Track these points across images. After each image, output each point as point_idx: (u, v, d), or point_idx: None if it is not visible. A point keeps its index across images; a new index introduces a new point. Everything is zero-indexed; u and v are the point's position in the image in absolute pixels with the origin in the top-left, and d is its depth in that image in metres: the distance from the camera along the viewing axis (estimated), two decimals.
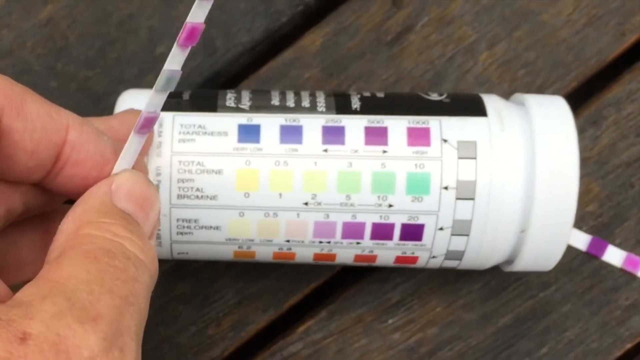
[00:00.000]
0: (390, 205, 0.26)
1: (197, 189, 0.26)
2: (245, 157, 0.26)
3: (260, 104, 0.27)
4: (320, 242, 0.27)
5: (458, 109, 0.27)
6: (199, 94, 0.28)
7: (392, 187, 0.26)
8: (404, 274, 0.32)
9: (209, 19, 0.33)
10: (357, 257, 0.28)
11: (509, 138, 0.26)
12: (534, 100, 0.27)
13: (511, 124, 0.26)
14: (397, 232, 0.26)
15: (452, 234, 0.26)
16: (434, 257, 0.27)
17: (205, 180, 0.26)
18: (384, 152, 0.26)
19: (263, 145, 0.26)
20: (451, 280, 0.32)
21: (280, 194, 0.26)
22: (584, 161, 0.32)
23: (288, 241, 0.27)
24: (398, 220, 0.26)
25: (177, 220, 0.27)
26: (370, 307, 0.32)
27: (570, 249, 0.32)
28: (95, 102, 0.33)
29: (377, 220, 0.26)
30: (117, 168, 0.22)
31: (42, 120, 0.21)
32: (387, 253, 0.27)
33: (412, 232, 0.26)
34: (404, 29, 0.33)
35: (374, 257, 0.28)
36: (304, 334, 0.32)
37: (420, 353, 0.32)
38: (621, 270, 0.32)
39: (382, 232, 0.26)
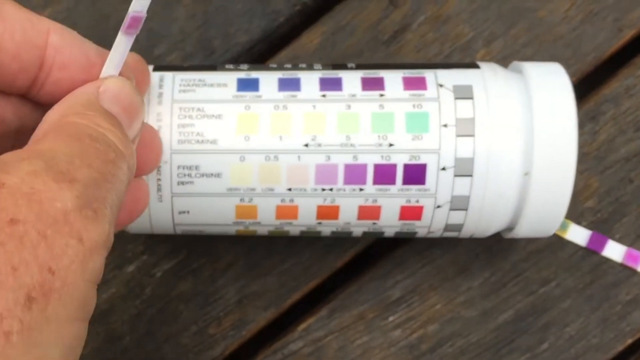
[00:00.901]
0: (390, 145, 0.26)
1: (198, 134, 0.26)
2: (245, 103, 0.27)
3: (258, 67, 0.28)
4: (323, 189, 0.27)
5: (452, 65, 0.28)
6: (198, 65, 0.30)
7: (392, 126, 0.26)
8: (404, 271, 0.32)
9: (206, 20, 0.33)
10: (361, 211, 0.27)
11: (504, 85, 0.26)
12: (529, 64, 0.27)
13: (505, 74, 0.27)
14: (399, 175, 0.26)
15: (455, 175, 0.26)
16: (438, 206, 0.26)
17: (206, 125, 0.26)
18: (381, 95, 0.26)
19: (262, 93, 0.27)
20: (451, 276, 0.32)
21: (281, 137, 0.26)
22: (583, 157, 0.32)
23: (290, 190, 0.27)
24: (400, 161, 0.26)
25: (178, 167, 0.27)
26: (370, 305, 0.32)
27: (570, 245, 0.32)
28: None
29: (379, 161, 0.26)
30: (104, 72, 0.22)
31: (22, 24, 0.22)
32: (391, 203, 0.27)
33: (415, 173, 0.26)
34: (401, 28, 0.33)
35: (377, 210, 0.27)
36: (304, 332, 0.32)
37: (422, 350, 0.32)
38: (621, 265, 0.32)
39: (384, 174, 0.26)
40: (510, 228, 0.28)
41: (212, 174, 0.27)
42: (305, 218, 0.27)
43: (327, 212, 0.27)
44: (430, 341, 0.32)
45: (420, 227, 0.28)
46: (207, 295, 0.32)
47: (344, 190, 0.27)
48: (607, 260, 0.32)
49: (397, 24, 0.33)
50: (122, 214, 0.25)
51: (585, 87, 0.32)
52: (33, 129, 0.21)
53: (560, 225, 0.32)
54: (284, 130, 0.26)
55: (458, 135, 0.26)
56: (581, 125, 0.32)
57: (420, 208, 0.27)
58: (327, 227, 0.28)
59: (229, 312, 0.32)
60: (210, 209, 0.27)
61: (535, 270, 0.32)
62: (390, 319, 0.32)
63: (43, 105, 0.24)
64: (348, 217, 0.27)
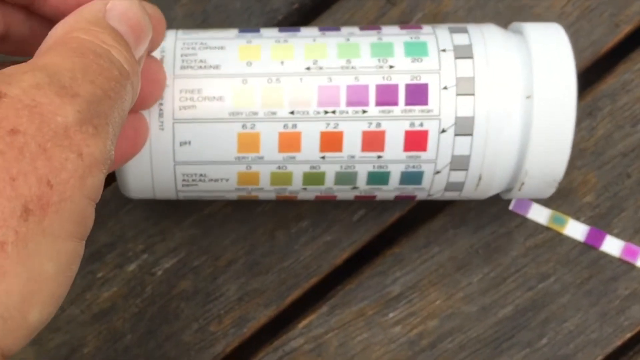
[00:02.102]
0: (391, 67, 0.26)
1: (201, 60, 0.27)
2: (246, 39, 0.27)
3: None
4: (326, 112, 0.26)
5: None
6: None
7: (391, 52, 0.27)
8: (404, 267, 0.32)
9: (205, 19, 0.33)
10: (365, 138, 0.27)
11: (501, 34, 0.27)
12: (528, 24, 0.28)
13: (499, 29, 0.28)
14: (401, 95, 0.26)
15: (458, 94, 0.26)
16: (443, 130, 0.26)
17: (209, 54, 0.27)
18: (378, 32, 0.28)
19: (262, 34, 0.28)
20: (450, 272, 0.32)
21: (282, 62, 0.27)
22: (581, 152, 0.32)
23: (292, 113, 0.26)
24: (401, 81, 0.26)
25: (180, 91, 0.27)
26: (370, 301, 0.32)
27: (568, 240, 0.32)
28: None
29: (380, 81, 0.26)
30: None
31: None
32: (395, 127, 0.26)
33: (417, 93, 0.26)
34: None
35: (382, 135, 0.26)
36: (305, 329, 0.32)
37: (422, 345, 0.32)
38: (620, 260, 0.32)
39: (386, 94, 0.26)
40: (509, 189, 0.28)
41: (214, 97, 0.27)
42: (309, 150, 0.27)
43: (331, 141, 0.27)
44: (430, 337, 0.32)
45: (426, 164, 0.27)
46: (208, 293, 0.33)
47: (347, 112, 0.26)
48: (606, 255, 0.32)
49: (395, 22, 0.33)
50: (123, 145, 0.25)
51: (583, 83, 0.32)
52: (39, 45, 0.21)
53: (559, 220, 0.32)
54: (285, 57, 0.27)
55: (457, 58, 0.26)
56: (578, 121, 0.32)
57: (425, 133, 0.26)
58: (330, 166, 0.27)
59: (229, 309, 0.33)
60: (212, 138, 0.27)
61: (534, 266, 0.32)
62: (391, 315, 0.32)
63: (50, 21, 0.23)
64: (352, 149, 0.27)
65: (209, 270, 0.33)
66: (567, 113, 0.26)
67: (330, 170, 0.27)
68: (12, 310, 0.17)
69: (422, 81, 0.26)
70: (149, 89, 0.25)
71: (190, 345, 0.32)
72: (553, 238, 0.32)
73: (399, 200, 0.29)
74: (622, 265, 0.32)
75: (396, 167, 0.27)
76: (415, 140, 0.27)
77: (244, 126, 0.27)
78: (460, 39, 0.27)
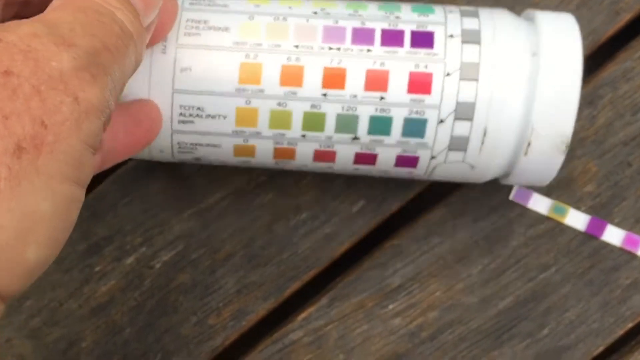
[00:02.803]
0: (397, 17, 0.27)
1: (209, 3, 0.27)
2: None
3: None
4: (330, 48, 0.26)
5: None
6: None
7: (399, 8, 0.27)
8: (404, 259, 0.32)
9: None
10: (369, 76, 0.26)
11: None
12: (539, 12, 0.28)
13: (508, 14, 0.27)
14: (407, 38, 0.26)
15: (463, 42, 0.26)
16: (448, 74, 0.26)
17: None
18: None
19: None
20: (450, 264, 0.32)
21: (290, 7, 0.27)
22: (581, 141, 0.32)
23: (297, 47, 0.26)
24: (407, 28, 0.26)
25: (187, 20, 0.27)
26: (370, 293, 0.32)
27: (569, 230, 0.32)
28: None
29: (387, 27, 0.26)
30: None
31: None
32: (399, 67, 0.26)
33: (423, 38, 0.26)
34: None
35: (385, 75, 0.26)
36: (304, 321, 0.32)
37: (422, 337, 0.32)
38: (621, 249, 0.32)
39: (392, 37, 0.26)
40: (507, 174, 0.28)
41: (219, 28, 0.26)
42: (311, 85, 0.26)
43: (334, 77, 0.26)
44: (430, 328, 0.32)
45: (430, 110, 0.26)
46: (207, 286, 0.32)
47: (352, 50, 0.26)
48: (607, 245, 0.32)
49: None
50: (137, 132, 0.26)
51: (583, 71, 0.32)
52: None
53: (559, 210, 0.32)
54: (292, 3, 0.27)
55: (463, 16, 0.27)
56: (579, 110, 0.32)
57: (430, 76, 0.26)
58: (332, 106, 0.26)
59: (228, 302, 0.32)
60: (213, 66, 0.26)
61: (534, 256, 0.32)
62: (390, 307, 0.32)
63: None
64: (355, 87, 0.26)
65: (208, 263, 0.32)
66: (574, 68, 0.25)
67: (331, 112, 0.26)
68: (6, 245, 0.17)
69: (429, 29, 0.26)
70: (163, 19, 0.25)
71: (189, 339, 0.32)
72: (554, 228, 0.32)
73: (400, 166, 0.28)
74: (623, 254, 0.32)
75: (399, 112, 0.26)
76: (420, 83, 0.26)
77: (247, 56, 0.26)
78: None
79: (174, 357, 0.32)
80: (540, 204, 0.32)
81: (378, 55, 0.26)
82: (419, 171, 0.28)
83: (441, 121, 0.26)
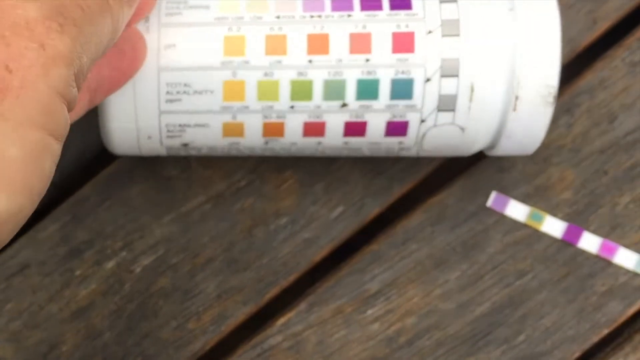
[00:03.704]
0: None
1: None
2: None
3: None
4: (312, 16, 0.27)
5: None
6: None
7: None
8: (382, 265, 0.32)
9: None
10: (353, 39, 0.26)
11: None
12: None
13: None
14: (385, 3, 0.27)
15: (441, 2, 0.26)
16: (429, 32, 0.26)
17: None
18: None
19: None
20: (428, 269, 0.32)
21: None
22: (558, 149, 0.32)
23: (278, 17, 0.27)
24: None
25: (167, 1, 0.27)
26: (349, 298, 0.32)
27: (545, 237, 0.32)
28: None
29: None
30: None
31: None
32: (381, 29, 0.26)
33: (401, 1, 0.26)
34: None
35: (368, 37, 0.26)
36: (283, 326, 0.32)
37: (400, 343, 0.32)
38: (597, 256, 0.32)
39: (371, 2, 0.27)
40: (492, 146, 0.28)
41: (199, 6, 0.27)
42: (295, 53, 0.26)
43: (318, 43, 0.26)
44: (408, 334, 0.32)
45: (416, 69, 0.26)
46: (187, 290, 0.33)
47: (333, 16, 0.27)
48: (583, 252, 0.32)
49: None
50: (123, 62, 0.25)
51: (560, 80, 0.32)
52: None
53: (536, 217, 0.32)
54: None
55: None
56: (556, 118, 0.32)
57: (411, 35, 0.26)
58: (318, 71, 0.26)
59: (208, 307, 0.33)
60: (197, 41, 0.27)
61: (511, 263, 0.32)
62: (369, 312, 0.32)
63: None
64: (339, 51, 0.26)
65: (188, 267, 0.33)
66: (552, 17, 0.26)
67: (318, 79, 0.26)
68: None
69: None
70: None
71: (169, 343, 0.32)
72: (531, 235, 0.32)
73: (390, 135, 0.27)
74: (599, 261, 0.32)
75: (385, 73, 0.26)
76: (403, 42, 0.26)
77: (229, 29, 0.27)
78: None
79: None
80: (517, 211, 0.32)
81: (359, 20, 0.26)
82: (409, 140, 0.27)
83: (428, 80, 0.26)
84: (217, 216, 0.33)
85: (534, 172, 0.32)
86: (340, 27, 0.26)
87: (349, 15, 0.26)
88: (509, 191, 0.32)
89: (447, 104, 0.26)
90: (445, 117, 0.27)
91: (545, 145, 0.32)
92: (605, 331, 0.32)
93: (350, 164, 0.32)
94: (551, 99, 0.26)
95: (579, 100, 0.32)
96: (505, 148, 0.28)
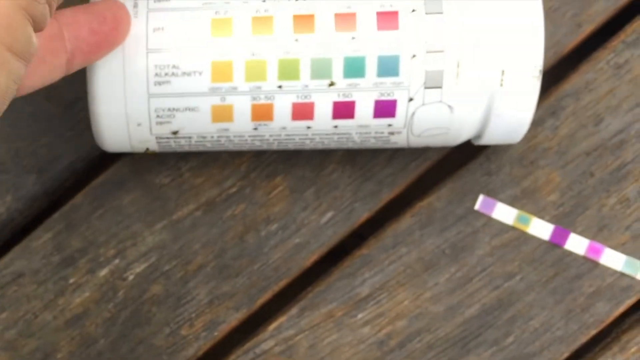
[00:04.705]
0: None
1: None
2: None
3: None
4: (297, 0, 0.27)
5: None
6: None
7: None
8: (372, 269, 0.33)
9: None
10: (338, 18, 0.27)
11: None
12: None
13: None
14: None
15: None
16: (413, 10, 0.27)
17: None
18: None
19: None
20: (418, 273, 0.33)
21: None
22: (544, 152, 0.32)
23: (264, 1, 0.27)
24: None
25: None
26: (339, 303, 0.33)
27: (533, 239, 0.32)
28: (64, 109, 0.33)
29: None
30: None
31: None
32: (366, 8, 0.27)
33: None
34: None
35: (353, 17, 0.27)
36: (275, 331, 0.33)
37: (391, 346, 0.32)
38: (584, 257, 0.32)
39: None
40: (479, 135, 0.29)
41: None
42: (282, 32, 0.27)
43: (303, 22, 0.27)
44: (398, 337, 0.32)
45: (401, 45, 0.27)
46: (179, 297, 0.33)
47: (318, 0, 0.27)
48: (570, 253, 0.32)
49: None
50: (104, 29, 0.26)
51: (546, 83, 0.32)
52: None
53: (523, 220, 0.32)
54: None
55: None
56: (542, 120, 0.32)
57: (395, 13, 0.27)
58: (305, 49, 0.27)
59: (200, 313, 0.33)
60: (185, 23, 0.27)
61: (499, 265, 0.32)
62: (359, 316, 0.33)
63: None
64: (325, 30, 0.27)
65: (180, 274, 0.33)
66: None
67: (305, 57, 0.27)
68: None
69: None
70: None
71: (163, 349, 0.33)
72: (518, 237, 0.32)
73: (379, 116, 0.28)
74: (586, 263, 0.32)
75: (371, 50, 0.27)
76: (387, 20, 0.27)
77: (217, 12, 0.27)
78: None
79: None
80: (504, 214, 0.32)
81: (344, 2, 0.27)
82: (398, 122, 0.28)
83: (414, 56, 0.27)
84: (209, 223, 0.33)
85: (520, 174, 0.32)
86: (325, 8, 0.27)
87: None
88: (496, 194, 0.32)
89: (434, 80, 0.27)
90: (432, 94, 0.27)
91: (532, 147, 0.32)
92: (593, 332, 0.32)
93: (340, 169, 0.33)
94: (537, 73, 0.27)
95: (565, 103, 0.32)
96: (496, 129, 0.28)
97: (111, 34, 0.26)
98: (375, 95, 0.27)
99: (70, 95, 0.33)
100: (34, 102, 0.33)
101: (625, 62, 0.32)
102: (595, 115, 0.32)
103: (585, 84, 0.32)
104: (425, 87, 0.27)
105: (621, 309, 0.32)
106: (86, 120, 0.33)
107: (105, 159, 0.33)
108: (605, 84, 0.32)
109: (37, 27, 0.19)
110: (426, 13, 0.27)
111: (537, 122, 0.32)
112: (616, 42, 0.32)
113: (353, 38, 0.27)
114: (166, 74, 0.27)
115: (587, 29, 0.32)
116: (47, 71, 0.25)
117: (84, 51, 0.26)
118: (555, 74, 0.33)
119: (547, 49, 0.33)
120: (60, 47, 0.25)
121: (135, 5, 0.27)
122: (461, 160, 0.33)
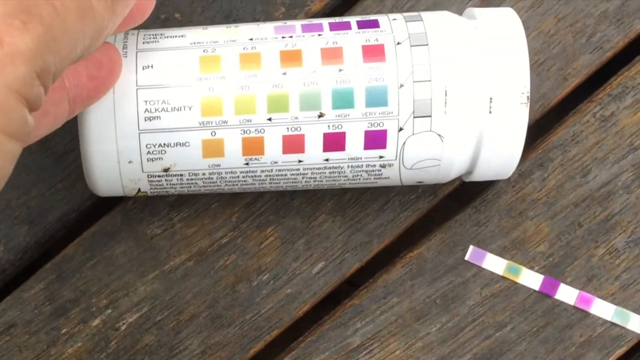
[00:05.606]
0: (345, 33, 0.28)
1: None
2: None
3: None
4: (283, 37, 0.28)
5: None
6: None
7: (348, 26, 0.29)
8: (364, 318, 0.33)
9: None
10: (324, 52, 0.28)
11: None
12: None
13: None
14: (354, 24, 0.28)
15: (407, 21, 0.28)
16: (398, 43, 0.27)
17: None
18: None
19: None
20: (409, 322, 0.33)
21: (237, 25, 0.29)
22: (533, 203, 0.33)
23: (251, 39, 0.28)
24: (352, 20, 0.29)
25: (144, 35, 0.28)
26: (332, 352, 0.33)
27: (523, 289, 0.33)
28: (56, 160, 0.34)
29: (333, 21, 0.29)
30: None
31: None
32: (351, 43, 0.28)
33: (368, 22, 0.28)
34: None
35: (340, 51, 0.28)
36: None
37: None
38: (574, 307, 0.32)
39: (340, 25, 0.28)
40: (469, 171, 0.29)
41: (175, 35, 0.28)
42: (269, 67, 0.27)
43: (291, 57, 0.28)
44: None
45: (388, 76, 0.27)
46: (171, 347, 0.33)
47: (303, 36, 0.28)
48: (560, 303, 0.33)
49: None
50: (100, 72, 0.26)
51: (533, 135, 0.33)
52: None
53: (514, 270, 0.33)
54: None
55: (405, 18, 0.28)
56: (530, 172, 0.33)
57: (381, 46, 0.27)
58: (293, 83, 0.27)
59: None
60: (174, 61, 0.28)
61: (490, 315, 0.33)
62: None
63: None
64: (312, 63, 0.28)
65: (172, 324, 0.33)
66: (515, 22, 0.28)
67: (293, 90, 0.27)
68: None
69: (372, 18, 0.28)
70: (139, 5, 0.26)
71: None
72: (509, 287, 0.33)
73: (370, 148, 0.28)
74: (576, 312, 0.32)
75: (359, 82, 0.27)
76: (373, 52, 0.27)
77: (205, 51, 0.28)
78: None
79: None
80: (494, 264, 0.33)
81: (329, 37, 0.28)
82: (390, 153, 0.28)
83: (401, 85, 0.27)
84: (200, 273, 0.33)
85: (510, 225, 0.33)
86: (311, 44, 0.28)
87: (320, 35, 0.28)
88: (486, 245, 0.33)
89: (422, 109, 0.27)
90: (422, 123, 0.27)
91: (520, 198, 0.33)
92: None
93: (330, 219, 0.33)
94: (524, 99, 0.27)
95: (552, 155, 0.33)
96: (487, 161, 0.28)
97: (108, 77, 0.27)
98: (365, 126, 0.27)
99: (62, 147, 0.33)
100: (26, 153, 0.33)
101: (611, 115, 0.33)
102: (583, 167, 0.33)
103: (572, 136, 0.33)
104: (415, 117, 0.27)
105: (612, 358, 0.32)
106: (78, 171, 0.33)
107: (97, 210, 0.34)
108: (592, 136, 0.33)
109: (32, 108, 0.19)
110: (412, 46, 0.27)
111: (525, 174, 0.33)
112: (602, 95, 0.33)
113: (340, 70, 0.27)
114: (156, 110, 0.27)
115: (573, 82, 0.33)
116: (51, 121, 0.26)
117: (83, 97, 0.26)
118: (542, 127, 0.33)
119: (534, 102, 0.33)
120: (63, 97, 0.25)
121: (125, 47, 0.28)
122: (450, 211, 0.33)
